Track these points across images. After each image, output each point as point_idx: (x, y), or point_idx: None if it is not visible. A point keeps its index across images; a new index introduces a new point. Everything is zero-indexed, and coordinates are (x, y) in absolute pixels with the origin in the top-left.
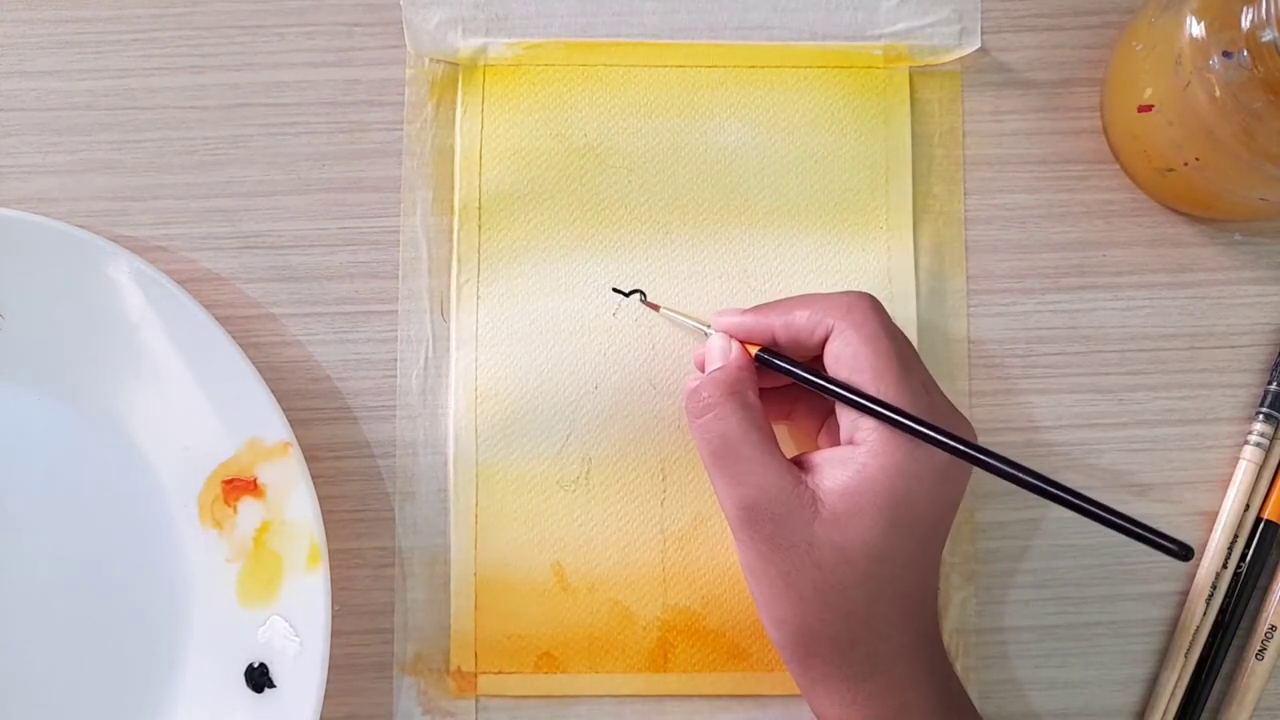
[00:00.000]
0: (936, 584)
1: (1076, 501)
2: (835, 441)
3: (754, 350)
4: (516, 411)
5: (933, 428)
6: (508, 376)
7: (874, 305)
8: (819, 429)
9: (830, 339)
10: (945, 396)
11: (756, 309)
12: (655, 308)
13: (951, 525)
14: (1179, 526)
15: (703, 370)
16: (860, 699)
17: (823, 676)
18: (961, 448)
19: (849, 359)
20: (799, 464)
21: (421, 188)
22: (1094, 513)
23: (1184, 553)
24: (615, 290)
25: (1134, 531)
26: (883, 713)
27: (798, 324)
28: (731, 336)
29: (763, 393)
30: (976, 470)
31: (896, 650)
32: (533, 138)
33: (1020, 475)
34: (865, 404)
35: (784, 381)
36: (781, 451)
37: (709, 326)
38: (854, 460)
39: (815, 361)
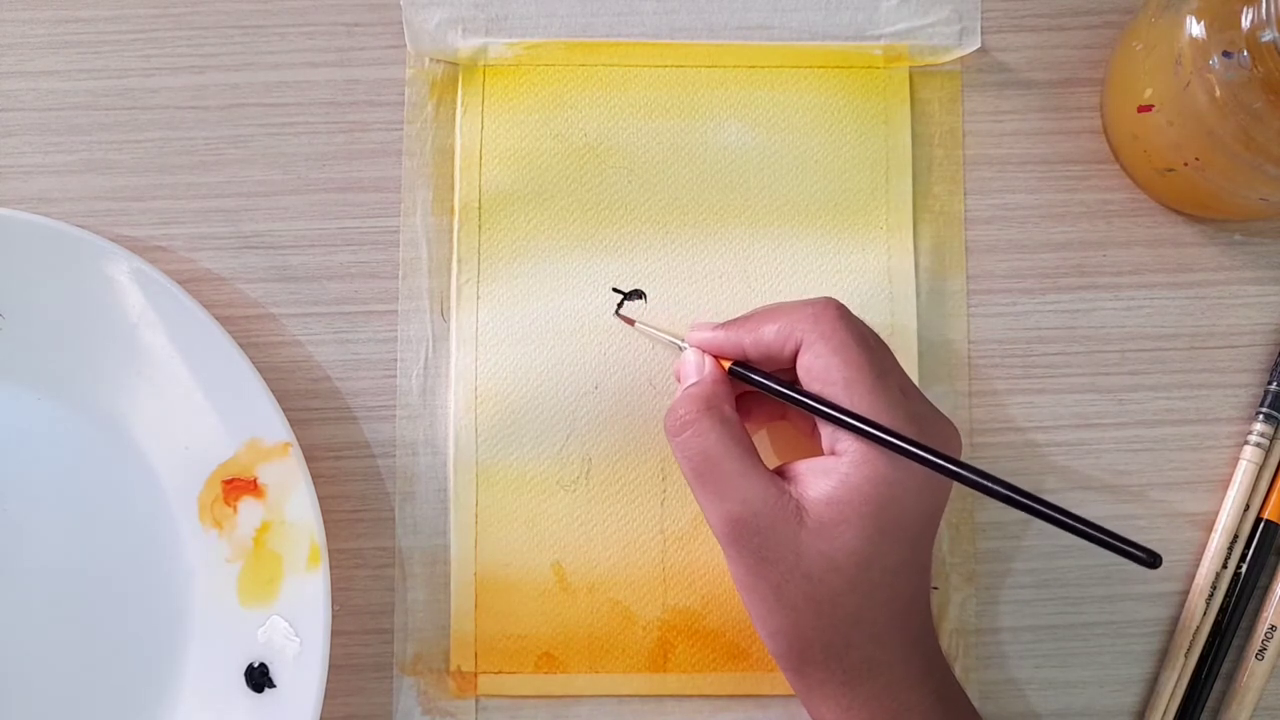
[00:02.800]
0: (928, 585)
1: (1045, 511)
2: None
3: (727, 364)
4: (516, 411)
5: (902, 438)
6: (508, 376)
7: (841, 313)
8: (814, 427)
9: (800, 352)
10: (925, 400)
11: (728, 325)
12: (630, 322)
13: (939, 526)
14: (1179, 527)
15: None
16: (857, 703)
17: (819, 683)
18: (927, 456)
19: (820, 371)
20: (782, 474)
21: (421, 188)
22: (1063, 522)
23: (1152, 560)
24: (615, 290)
25: (1102, 540)
26: (880, 715)
27: (767, 340)
28: (705, 351)
29: (753, 395)
30: None
31: (891, 653)
32: (533, 138)
33: (985, 484)
34: (838, 417)
35: None
36: (763, 463)
37: (684, 341)
38: (837, 470)
39: (790, 372)
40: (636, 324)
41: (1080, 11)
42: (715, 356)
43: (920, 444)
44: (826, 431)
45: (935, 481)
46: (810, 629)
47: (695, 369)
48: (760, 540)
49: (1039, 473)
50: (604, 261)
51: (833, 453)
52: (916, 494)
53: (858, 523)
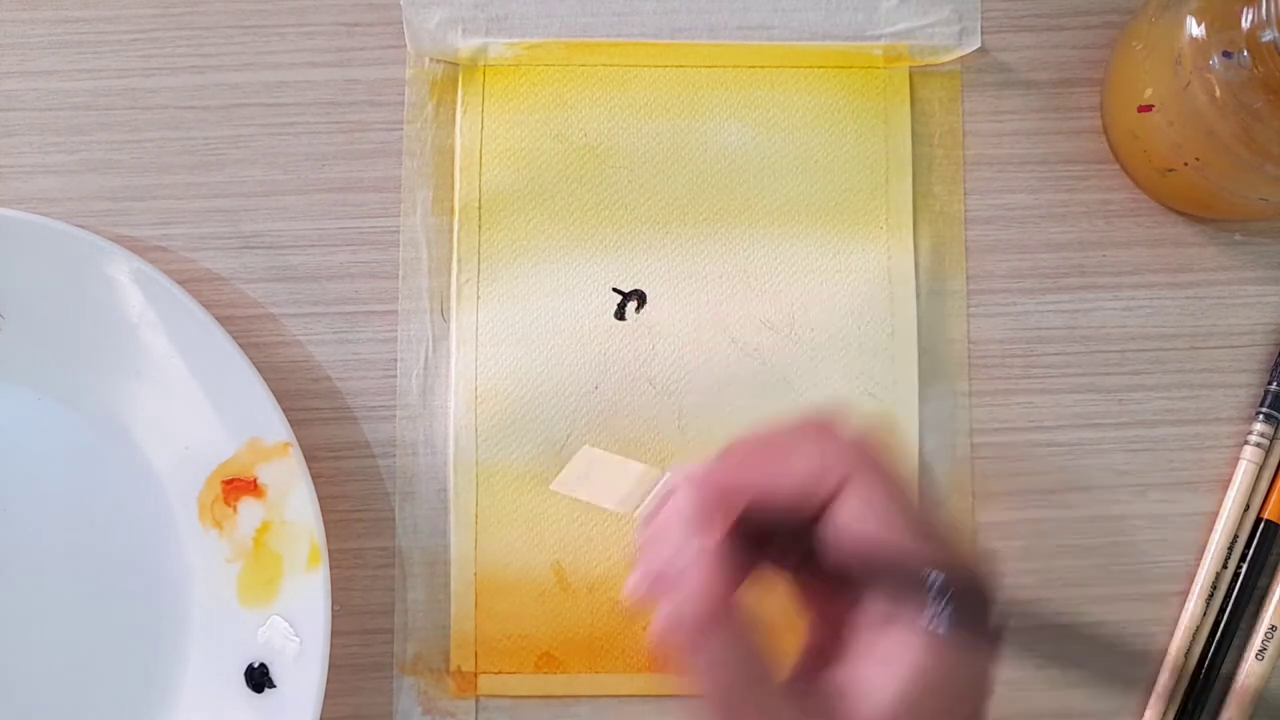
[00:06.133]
0: None
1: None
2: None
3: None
4: (516, 411)
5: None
6: (508, 376)
7: (880, 439)
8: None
9: (845, 495)
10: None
11: (722, 460)
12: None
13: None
14: (1179, 527)
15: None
16: None
17: None
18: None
19: (874, 525)
20: (816, 690)
21: (421, 188)
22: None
23: None
24: (615, 290)
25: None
26: None
27: (798, 472)
28: (693, 516)
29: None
30: (975, 467)
31: None
32: (533, 138)
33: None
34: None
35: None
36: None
37: (663, 475)
38: (902, 659)
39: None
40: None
41: (1080, 11)
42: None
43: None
44: (873, 616)
45: (984, 680)
46: None
47: (680, 524)
48: None
49: (1039, 473)
50: (604, 261)
51: (873, 649)
52: (968, 698)
53: None
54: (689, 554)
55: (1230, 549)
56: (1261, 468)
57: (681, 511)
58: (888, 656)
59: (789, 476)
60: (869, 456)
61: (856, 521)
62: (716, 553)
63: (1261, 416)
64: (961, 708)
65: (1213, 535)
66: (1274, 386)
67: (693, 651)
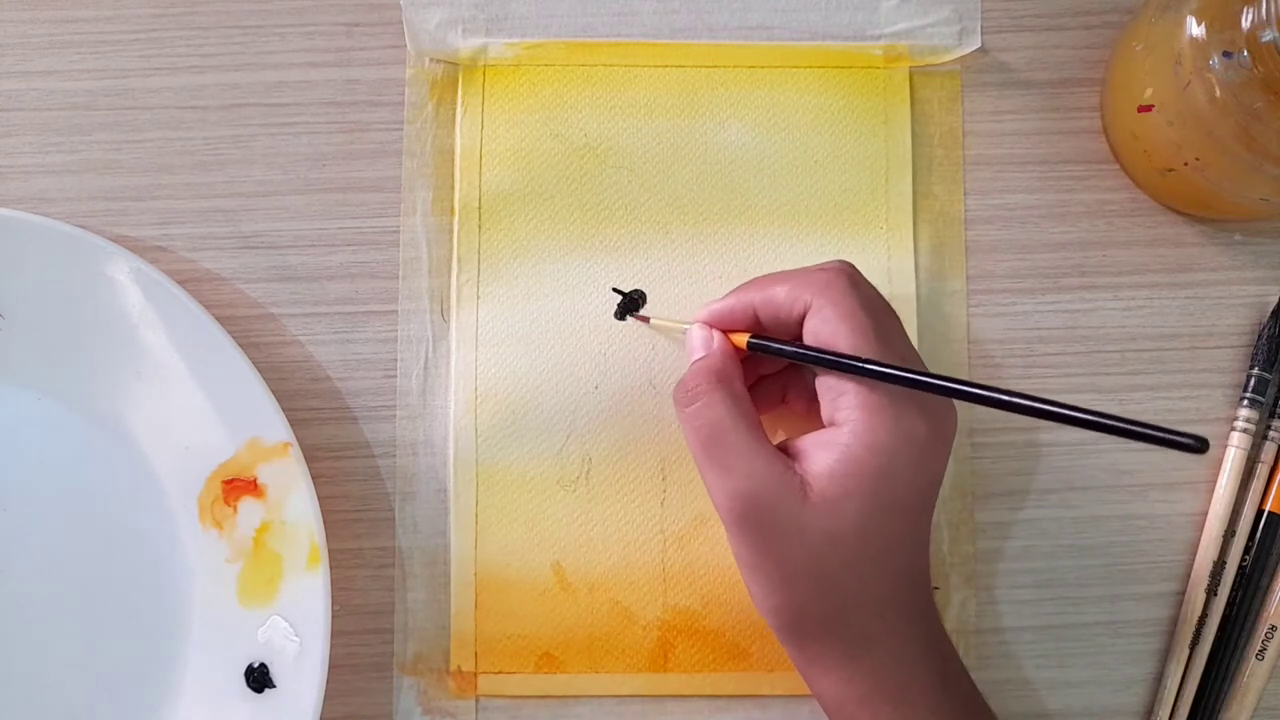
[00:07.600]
0: (927, 561)
1: (1075, 415)
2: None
3: (744, 339)
4: (516, 411)
5: (910, 370)
6: (508, 376)
7: (852, 281)
8: (810, 407)
9: (808, 316)
10: (926, 369)
11: (737, 289)
12: (645, 320)
13: (936, 501)
14: (1179, 527)
15: None
16: (857, 677)
17: (819, 656)
18: (943, 384)
19: (827, 336)
20: (785, 450)
21: (421, 188)
22: (1096, 423)
23: (1199, 445)
24: (615, 290)
25: (1144, 434)
26: (880, 689)
27: (777, 300)
28: (715, 327)
29: (757, 381)
30: (975, 467)
31: (891, 628)
32: (533, 138)
33: (992, 395)
34: (848, 364)
35: (775, 369)
36: (769, 439)
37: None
38: (837, 442)
39: (797, 338)
40: (652, 320)
41: (1080, 11)
42: (726, 332)
43: (929, 372)
44: (827, 402)
45: (931, 449)
46: (811, 604)
47: (702, 343)
48: (765, 516)
49: (1039, 473)
50: (604, 261)
51: (832, 423)
52: (913, 462)
53: (860, 495)
54: (710, 342)
55: (1226, 538)
56: (1259, 458)
57: (702, 331)
58: (834, 420)
59: (773, 301)
60: (831, 290)
61: (813, 336)
62: (725, 342)
63: (1246, 402)
64: (903, 467)
65: (1208, 522)
66: (1255, 371)
67: (701, 395)
